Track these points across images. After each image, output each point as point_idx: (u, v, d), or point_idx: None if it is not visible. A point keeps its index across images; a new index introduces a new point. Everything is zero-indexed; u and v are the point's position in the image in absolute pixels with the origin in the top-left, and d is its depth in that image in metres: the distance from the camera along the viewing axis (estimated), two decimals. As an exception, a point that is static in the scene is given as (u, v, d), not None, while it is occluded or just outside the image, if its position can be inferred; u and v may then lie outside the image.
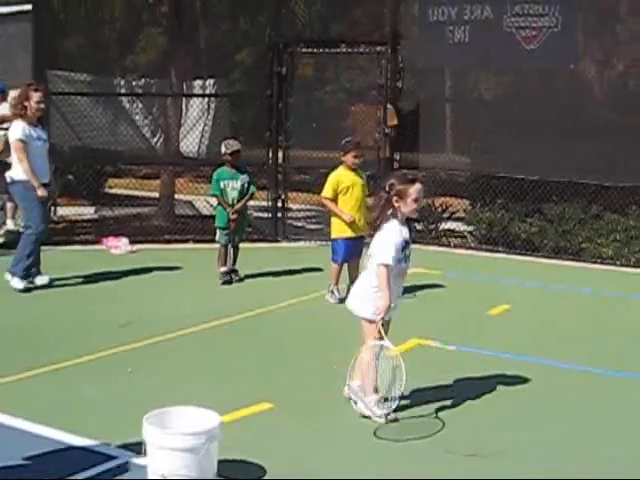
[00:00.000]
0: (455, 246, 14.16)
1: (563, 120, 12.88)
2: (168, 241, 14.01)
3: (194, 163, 17.16)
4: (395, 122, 13.90)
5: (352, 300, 6.79)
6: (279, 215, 14.70)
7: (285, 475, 5.46)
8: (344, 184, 10.10)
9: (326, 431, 6.23)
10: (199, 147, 17.01)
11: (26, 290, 10.29)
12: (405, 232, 6.53)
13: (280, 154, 14.64)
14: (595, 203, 13.03)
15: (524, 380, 7.50)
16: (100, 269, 11.35)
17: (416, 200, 6.47)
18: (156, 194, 15.90)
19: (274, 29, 14.94)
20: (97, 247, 13.12)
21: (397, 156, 14.90)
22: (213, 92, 16.88)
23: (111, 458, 5.58)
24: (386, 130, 14.37)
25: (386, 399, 6.48)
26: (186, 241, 14.07)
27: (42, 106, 10.50)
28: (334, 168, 10.32)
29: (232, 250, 11.32)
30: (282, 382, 7.35)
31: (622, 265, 12.81)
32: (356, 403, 6.64)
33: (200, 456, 5.04)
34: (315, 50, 15.42)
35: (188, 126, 16.78)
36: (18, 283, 10.33)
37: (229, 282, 11.14)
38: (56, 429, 6.02)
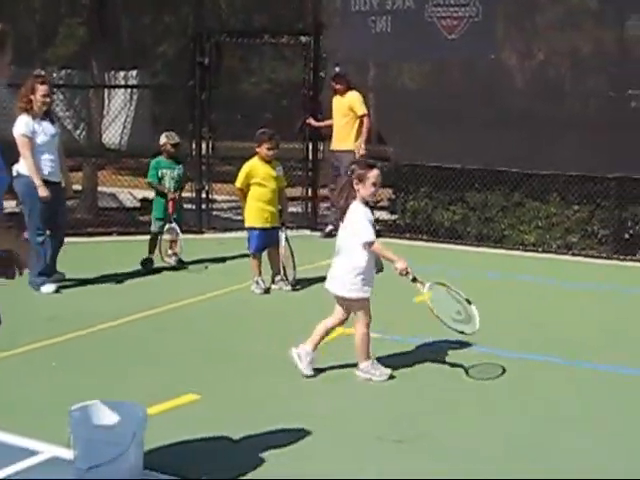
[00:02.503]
0: (379, 235, 14.20)
1: (485, 109, 13.03)
2: (91, 234, 13.86)
3: (117, 155, 17.02)
4: (364, 111, 13.78)
5: (334, 283, 7.22)
6: (203, 206, 14.65)
7: (205, 466, 5.46)
8: (256, 177, 10.19)
9: (251, 422, 6.21)
10: (121, 139, 16.89)
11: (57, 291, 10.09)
12: (369, 212, 7.15)
13: (204, 145, 14.60)
14: (517, 191, 13.21)
15: (449, 365, 7.58)
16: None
17: (374, 184, 7.05)
18: (78, 187, 15.73)
19: (197, 19, 14.86)
20: (19, 241, 12.91)
21: (320, 146, 14.96)
22: (135, 83, 16.76)
23: (36, 453, 5.52)
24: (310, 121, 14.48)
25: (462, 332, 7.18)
26: (110, 234, 13.94)
27: (48, 100, 10.15)
28: (250, 158, 10.37)
29: (174, 233, 11.47)
30: (209, 373, 7.33)
31: (544, 252, 13.01)
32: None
33: (126, 448, 5.01)
34: (238, 40, 15.40)
35: (110, 118, 16.65)
36: (46, 289, 10.03)
37: (148, 269, 11.29)
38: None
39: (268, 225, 10.27)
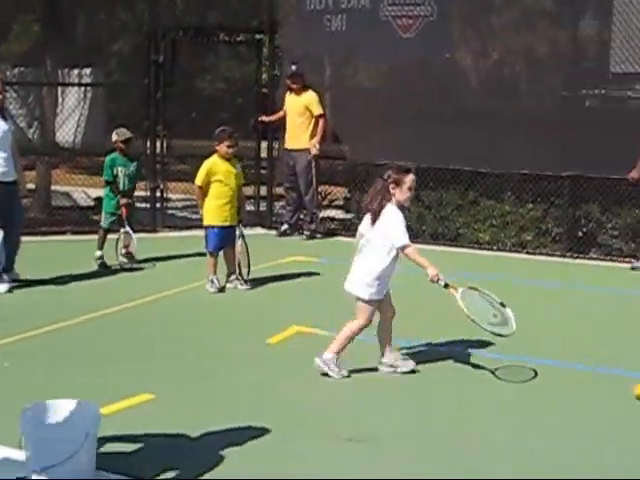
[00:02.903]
0: (335, 233, 14.22)
1: (440, 108, 13.08)
2: (45, 233, 13.71)
3: (71, 153, 16.88)
4: (321, 111, 13.74)
5: (351, 282, 7.30)
6: (158, 205, 14.58)
7: (159, 466, 5.41)
8: (217, 175, 10.16)
9: (211, 422, 6.15)
10: (75, 137, 16.76)
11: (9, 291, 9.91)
12: (401, 215, 7.08)
13: (158, 144, 14.53)
14: (472, 189, 13.27)
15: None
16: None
17: (410, 189, 7.08)
18: (32, 185, 15.58)
19: (152, 17, 14.77)
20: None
21: (275, 145, 14.93)
22: (90, 81, 16.62)
23: (-13, 454, 5.46)
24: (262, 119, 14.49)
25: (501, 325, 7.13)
26: (63, 233, 13.84)
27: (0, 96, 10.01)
28: (209, 156, 10.32)
29: (128, 237, 11.37)
30: (164, 372, 7.28)
31: (499, 250, 13.09)
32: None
33: (79, 448, 4.96)
34: (193, 38, 15.35)
35: (64, 116, 16.52)
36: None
37: (103, 265, 11.24)
38: None
39: (227, 223, 10.23)
